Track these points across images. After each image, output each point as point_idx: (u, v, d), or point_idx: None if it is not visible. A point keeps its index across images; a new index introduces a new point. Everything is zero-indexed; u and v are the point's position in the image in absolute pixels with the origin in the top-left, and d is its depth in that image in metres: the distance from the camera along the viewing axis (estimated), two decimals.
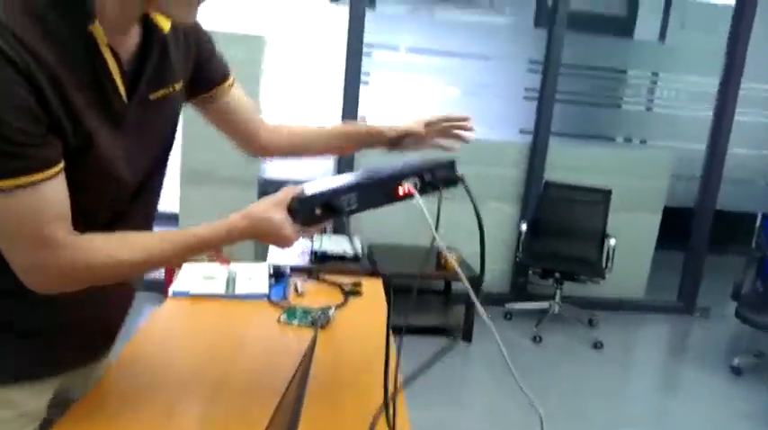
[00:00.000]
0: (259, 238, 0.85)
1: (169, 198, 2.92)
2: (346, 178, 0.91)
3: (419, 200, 0.87)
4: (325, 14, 3.69)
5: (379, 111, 3.72)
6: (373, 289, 1.53)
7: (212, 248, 0.83)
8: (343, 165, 3.56)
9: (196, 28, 0.95)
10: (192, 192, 3.47)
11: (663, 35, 4.78)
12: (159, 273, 3.22)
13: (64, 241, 0.72)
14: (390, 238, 3.65)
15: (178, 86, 0.90)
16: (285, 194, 0.85)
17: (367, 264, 3.34)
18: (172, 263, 0.84)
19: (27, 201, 0.68)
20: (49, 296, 0.75)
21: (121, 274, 0.80)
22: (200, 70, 0.97)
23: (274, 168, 3.66)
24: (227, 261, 1.49)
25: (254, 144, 1.11)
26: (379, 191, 0.88)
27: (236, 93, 1.05)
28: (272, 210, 0.83)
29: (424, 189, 0.89)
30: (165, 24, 0.82)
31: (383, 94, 3.76)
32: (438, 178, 0.89)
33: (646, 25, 4.92)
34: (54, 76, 0.67)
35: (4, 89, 0.63)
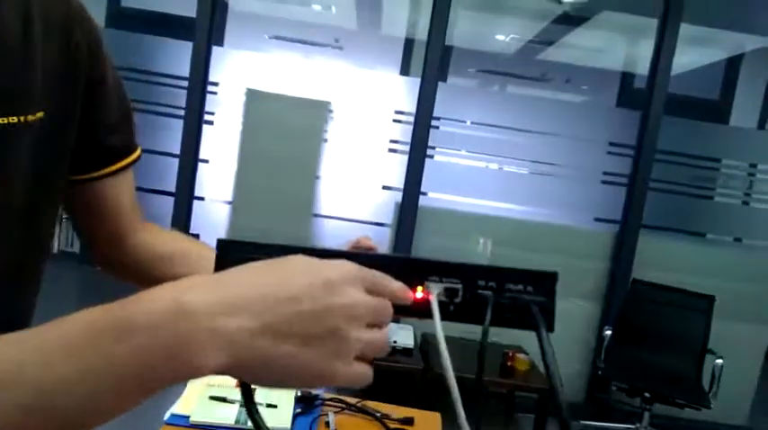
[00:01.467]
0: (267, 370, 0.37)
1: None
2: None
3: (437, 318, 0.43)
4: (394, 85, 3.49)
5: (441, 185, 3.39)
6: (428, 425, 1.10)
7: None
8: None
9: (95, 45, 0.60)
10: None
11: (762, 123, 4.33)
12: None
13: None
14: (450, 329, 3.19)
15: (33, 119, 0.54)
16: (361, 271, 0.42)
17: (419, 357, 2.88)
18: None
19: None
20: None
21: None
22: (90, 120, 0.62)
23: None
24: None
25: (117, 250, 0.72)
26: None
27: (129, 176, 0.70)
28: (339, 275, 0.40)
29: (468, 307, 0.45)
30: None
31: (446, 168, 3.45)
32: (514, 298, 0.45)
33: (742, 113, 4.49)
34: None
35: None
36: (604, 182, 3.53)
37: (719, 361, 2.91)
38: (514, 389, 3.09)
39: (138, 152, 0.70)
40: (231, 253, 0.44)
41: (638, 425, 3.02)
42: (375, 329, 0.40)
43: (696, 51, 4.00)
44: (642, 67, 4.52)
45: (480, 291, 0.45)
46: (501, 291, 0.45)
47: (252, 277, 0.38)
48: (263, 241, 0.46)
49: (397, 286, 0.43)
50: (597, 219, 3.61)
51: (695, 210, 3.75)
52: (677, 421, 3.23)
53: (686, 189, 3.61)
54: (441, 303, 0.44)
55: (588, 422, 3.17)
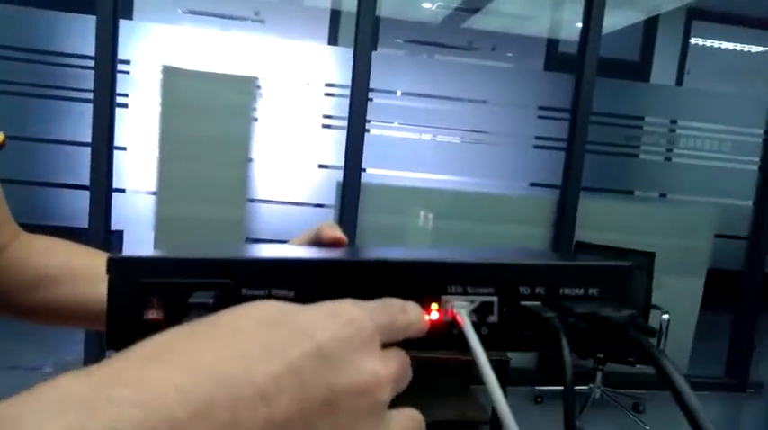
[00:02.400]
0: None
1: None
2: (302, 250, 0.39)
3: (478, 350, 0.28)
4: (323, 56, 3.31)
5: (378, 160, 3.28)
6: None
7: None
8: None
9: None
10: None
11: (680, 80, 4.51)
12: None
13: None
14: None
15: None
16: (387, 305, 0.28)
17: None
18: None
19: None
20: None
21: None
22: None
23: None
24: None
25: None
26: (374, 296, 0.30)
27: None
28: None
29: (508, 329, 0.31)
30: None
31: (381, 142, 3.34)
32: (589, 316, 0.30)
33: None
34: None
35: None
36: (537, 146, 3.55)
37: (666, 316, 3.01)
38: (470, 364, 3.08)
39: (0, 137, 0.52)
40: (128, 275, 0.29)
41: (591, 385, 3.10)
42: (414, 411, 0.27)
43: (616, 14, 4.07)
44: (567, 33, 4.57)
45: (525, 303, 0.31)
46: (553, 299, 0.31)
47: (184, 362, 0.21)
48: (174, 255, 0.30)
49: (416, 314, 0.29)
50: (533, 184, 3.63)
51: (622, 168, 3.85)
52: (629, 377, 3.34)
53: (613, 149, 3.69)
54: (472, 326, 0.29)
55: (542, 387, 3.21)
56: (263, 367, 0.22)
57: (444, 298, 0.30)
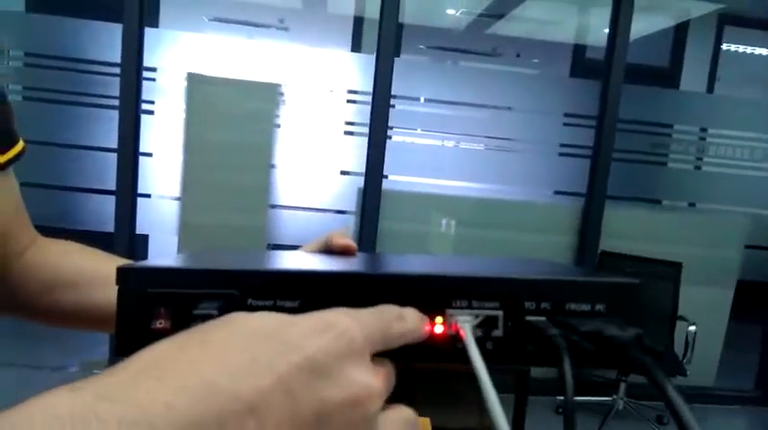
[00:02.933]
0: None
1: None
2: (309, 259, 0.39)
3: (479, 366, 0.28)
4: (346, 63, 3.32)
5: (400, 167, 3.28)
6: None
7: None
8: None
9: None
10: None
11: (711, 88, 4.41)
12: None
13: None
14: None
15: None
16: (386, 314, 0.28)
17: None
18: None
19: None
20: None
21: None
22: None
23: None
24: None
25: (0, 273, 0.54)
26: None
27: (10, 181, 0.53)
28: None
29: (513, 344, 0.31)
30: None
31: (403, 149, 3.34)
32: (594, 334, 0.30)
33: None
34: None
35: None
36: (562, 154, 3.50)
37: (692, 327, 2.93)
38: (491, 373, 3.04)
39: (19, 146, 0.52)
40: (137, 285, 0.29)
41: (614, 396, 3.04)
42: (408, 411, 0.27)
43: (644, 19, 4.00)
44: (593, 38, 4.51)
45: (530, 318, 0.31)
46: (559, 315, 0.31)
47: (174, 377, 0.21)
48: (182, 265, 0.31)
49: (413, 321, 0.28)
50: (557, 192, 3.59)
51: (650, 177, 3.78)
52: (652, 389, 3.26)
53: (641, 156, 3.62)
54: (476, 341, 0.29)
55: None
56: (252, 381, 0.22)
57: (449, 311, 0.30)
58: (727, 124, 3.68)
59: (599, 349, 0.29)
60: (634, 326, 0.30)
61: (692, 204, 3.99)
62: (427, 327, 0.29)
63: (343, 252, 0.42)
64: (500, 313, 0.30)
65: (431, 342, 0.30)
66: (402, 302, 0.30)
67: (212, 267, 0.30)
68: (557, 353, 0.29)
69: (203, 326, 0.25)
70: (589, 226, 3.31)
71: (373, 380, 0.24)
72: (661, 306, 3.06)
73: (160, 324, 0.29)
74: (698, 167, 3.79)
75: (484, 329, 0.30)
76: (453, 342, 0.30)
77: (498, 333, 0.30)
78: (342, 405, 0.23)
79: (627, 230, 3.42)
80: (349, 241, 0.42)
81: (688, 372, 2.95)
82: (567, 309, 0.31)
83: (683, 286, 3.09)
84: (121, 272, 0.30)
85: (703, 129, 3.78)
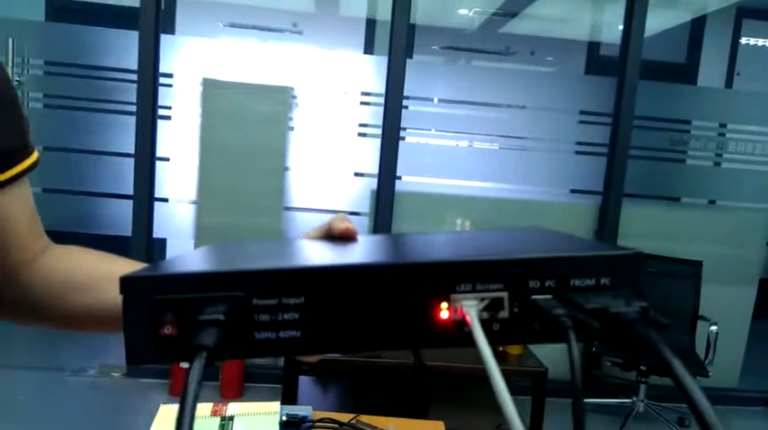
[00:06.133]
0: None
1: None
2: (318, 249, 0.39)
3: (485, 349, 0.28)
4: (358, 65, 3.33)
5: (414, 168, 3.27)
6: None
7: None
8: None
9: None
10: None
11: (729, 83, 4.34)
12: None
13: None
14: None
15: None
16: None
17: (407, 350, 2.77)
18: None
19: None
20: None
21: None
22: None
23: None
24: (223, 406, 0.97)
25: (9, 288, 0.55)
26: (385, 298, 0.30)
27: (25, 189, 0.54)
28: None
29: (519, 323, 0.31)
30: None
31: (417, 150, 3.33)
32: (599, 311, 0.29)
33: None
34: None
35: None
36: (578, 152, 3.47)
37: (714, 327, 2.88)
38: (509, 375, 3.02)
39: (34, 156, 0.54)
40: (142, 294, 0.29)
41: (634, 398, 3.00)
42: None
43: (660, 15, 3.94)
44: (608, 35, 4.46)
45: (535, 297, 0.30)
46: (564, 292, 0.30)
47: None
48: (186, 269, 0.31)
49: None
50: (574, 191, 3.55)
51: (668, 174, 3.72)
52: (673, 391, 3.21)
53: (659, 153, 3.57)
54: (482, 323, 0.30)
55: (585, 400, 3.12)
56: None
57: (454, 296, 0.30)
58: (747, 119, 3.61)
59: (605, 326, 0.29)
60: (640, 299, 0.29)
61: (712, 202, 3.92)
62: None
63: (343, 236, 0.42)
64: (505, 294, 0.30)
65: (437, 327, 0.30)
66: (407, 290, 0.30)
67: (216, 270, 0.31)
68: (563, 332, 0.28)
69: None
70: (606, 224, 3.28)
71: None
72: (681, 306, 3.01)
73: (167, 330, 0.29)
74: (717, 164, 3.73)
75: (489, 311, 0.30)
76: (460, 327, 0.30)
77: (504, 314, 0.30)
78: None
79: (646, 229, 3.37)
80: (349, 225, 0.42)
81: (710, 373, 2.89)
82: (572, 286, 0.31)
83: (703, 285, 3.04)
84: (125, 281, 0.30)
85: (723, 125, 3.71)
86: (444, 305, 0.30)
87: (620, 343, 0.29)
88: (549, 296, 0.30)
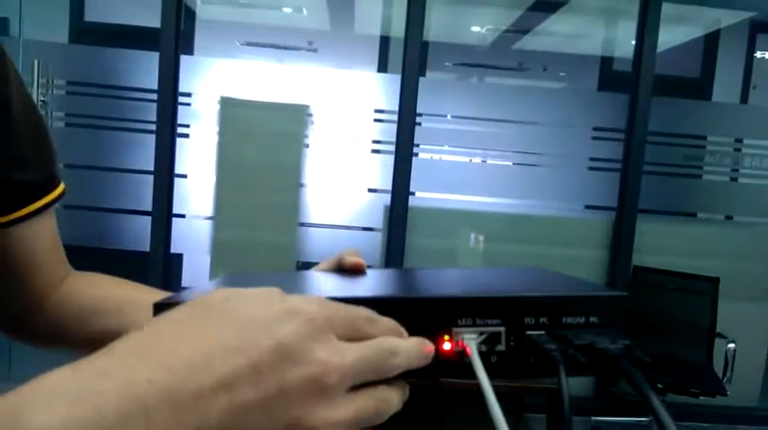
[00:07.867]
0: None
1: None
2: (349, 284, 0.42)
3: (484, 380, 0.31)
4: (372, 83, 3.38)
5: (427, 184, 3.30)
6: None
7: None
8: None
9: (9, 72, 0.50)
10: None
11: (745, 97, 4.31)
12: None
13: None
14: None
15: None
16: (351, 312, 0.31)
17: None
18: None
19: None
20: None
21: None
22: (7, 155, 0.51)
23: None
24: None
25: (34, 316, 0.58)
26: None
27: (50, 220, 0.57)
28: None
29: (515, 357, 0.33)
30: None
31: (430, 166, 3.36)
32: (586, 347, 0.32)
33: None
34: None
35: None
36: (592, 168, 3.46)
37: (732, 345, 2.84)
38: (524, 391, 3.00)
39: (60, 188, 0.56)
40: None
41: (651, 417, 2.95)
42: (381, 387, 0.29)
43: (673, 30, 3.95)
44: (621, 50, 4.47)
45: (530, 333, 0.33)
46: (556, 328, 0.33)
47: (157, 357, 0.26)
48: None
49: (387, 323, 0.31)
50: (588, 207, 3.54)
51: (684, 189, 3.70)
52: (691, 408, 3.17)
53: (674, 169, 3.56)
54: (481, 355, 0.32)
55: (600, 418, 3.09)
56: (226, 361, 0.26)
57: (455, 330, 0.33)
58: (764, 134, 3.58)
59: (591, 360, 0.32)
60: (624, 338, 0.32)
61: (728, 217, 3.89)
62: (431, 351, 0.32)
63: (353, 270, 0.45)
64: (502, 329, 0.33)
65: (441, 358, 0.33)
66: (411, 324, 0.32)
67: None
68: (554, 366, 0.31)
69: (200, 302, 0.29)
70: (621, 240, 3.26)
71: (333, 357, 0.27)
72: (698, 322, 2.97)
73: None
74: (734, 179, 3.70)
75: (488, 344, 0.33)
76: (461, 358, 0.32)
77: (501, 347, 0.33)
78: (300, 379, 0.26)
79: (661, 244, 3.35)
80: (359, 260, 0.44)
81: (729, 392, 2.85)
82: (564, 323, 0.33)
83: (720, 302, 3.00)
84: (158, 307, 0.32)
85: (738, 140, 3.69)
86: (447, 337, 0.33)
87: (605, 376, 0.32)
88: (543, 332, 0.33)
